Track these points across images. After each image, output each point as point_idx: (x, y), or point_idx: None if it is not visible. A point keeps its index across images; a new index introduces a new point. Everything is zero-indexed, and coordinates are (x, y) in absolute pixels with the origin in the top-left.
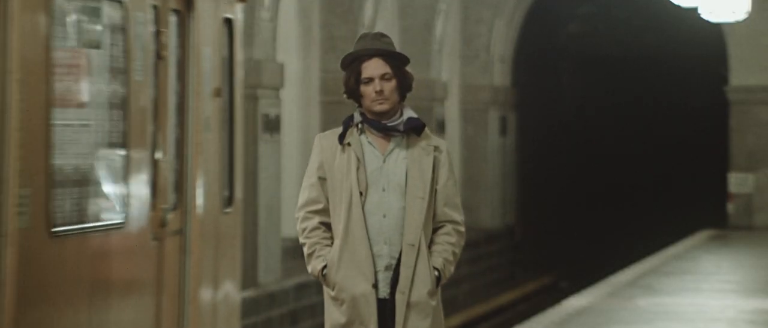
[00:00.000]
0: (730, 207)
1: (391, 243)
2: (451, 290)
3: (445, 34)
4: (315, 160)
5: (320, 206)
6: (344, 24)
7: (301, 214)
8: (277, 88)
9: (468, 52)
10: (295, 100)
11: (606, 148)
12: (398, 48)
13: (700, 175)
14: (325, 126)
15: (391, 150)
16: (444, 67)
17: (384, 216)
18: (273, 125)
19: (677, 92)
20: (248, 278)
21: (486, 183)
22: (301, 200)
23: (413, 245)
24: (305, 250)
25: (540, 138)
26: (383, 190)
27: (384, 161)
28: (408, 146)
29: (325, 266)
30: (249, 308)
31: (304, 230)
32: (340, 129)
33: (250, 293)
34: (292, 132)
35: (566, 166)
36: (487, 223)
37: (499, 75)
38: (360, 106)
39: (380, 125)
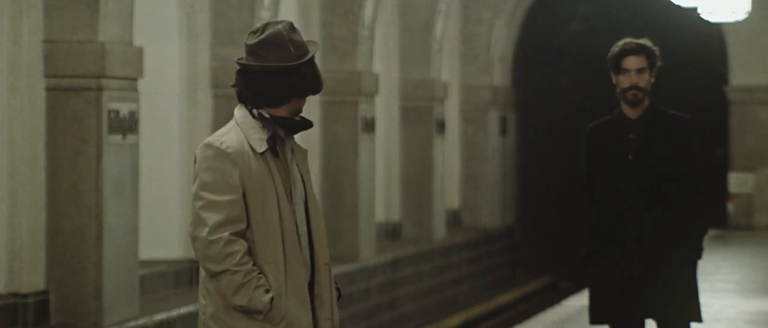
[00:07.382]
0: (730, 207)
1: (307, 264)
2: (451, 290)
3: (445, 34)
4: (227, 169)
5: (242, 226)
6: (344, 24)
7: (224, 235)
8: None
9: (468, 52)
10: None
11: None
12: (398, 48)
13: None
14: (326, 125)
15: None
16: (444, 67)
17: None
18: None
19: (677, 92)
20: None
21: (486, 183)
22: (217, 217)
23: (327, 264)
24: (236, 279)
25: (540, 138)
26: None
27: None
28: (293, 150)
29: (272, 298)
30: None
31: (230, 255)
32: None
33: None
34: None
35: (566, 166)
36: (487, 223)
37: (499, 75)
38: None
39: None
